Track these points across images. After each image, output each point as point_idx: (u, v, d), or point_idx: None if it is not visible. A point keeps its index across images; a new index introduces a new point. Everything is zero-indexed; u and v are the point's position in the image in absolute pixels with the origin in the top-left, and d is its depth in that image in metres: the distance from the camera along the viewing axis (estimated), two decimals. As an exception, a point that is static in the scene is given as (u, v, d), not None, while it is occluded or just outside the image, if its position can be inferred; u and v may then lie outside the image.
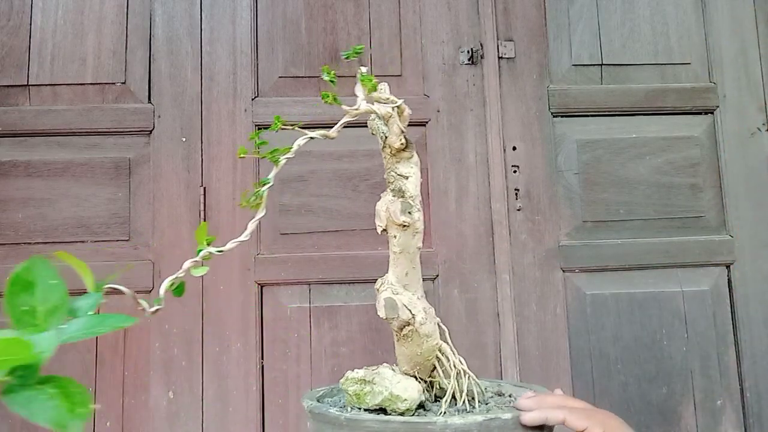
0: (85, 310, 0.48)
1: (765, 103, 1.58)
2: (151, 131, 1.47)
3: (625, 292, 1.49)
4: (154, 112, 1.48)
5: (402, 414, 0.73)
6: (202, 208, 1.44)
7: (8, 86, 1.47)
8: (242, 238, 0.66)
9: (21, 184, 1.44)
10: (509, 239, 1.47)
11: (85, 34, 1.50)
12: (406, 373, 0.79)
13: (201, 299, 1.42)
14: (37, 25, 1.49)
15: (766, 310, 1.50)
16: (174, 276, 0.59)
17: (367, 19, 1.55)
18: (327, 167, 1.49)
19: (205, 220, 1.43)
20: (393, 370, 0.79)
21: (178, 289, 0.59)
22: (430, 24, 1.55)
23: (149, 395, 1.39)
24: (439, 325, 0.80)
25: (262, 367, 1.42)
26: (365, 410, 0.76)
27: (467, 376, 0.78)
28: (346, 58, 0.74)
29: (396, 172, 0.77)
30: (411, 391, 0.74)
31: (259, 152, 0.70)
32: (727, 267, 1.52)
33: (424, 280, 1.49)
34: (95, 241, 1.44)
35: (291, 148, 0.69)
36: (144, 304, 0.55)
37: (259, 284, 1.44)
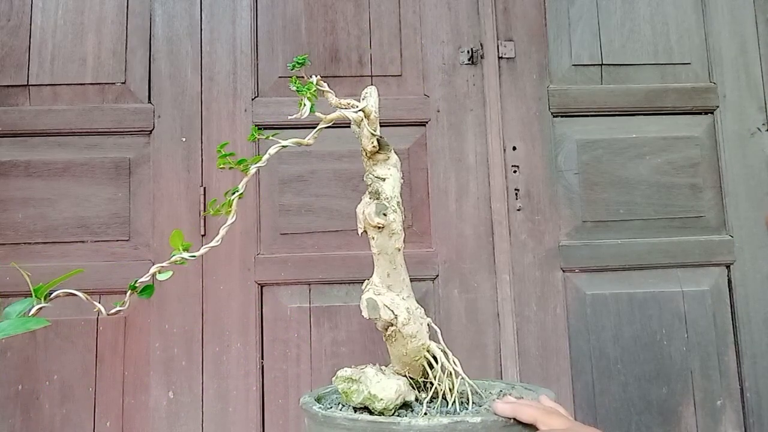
0: (15, 314, 0.52)
1: (765, 103, 1.58)
2: (151, 131, 1.47)
3: (625, 292, 1.49)
4: (154, 112, 1.48)
5: (381, 413, 0.74)
6: (202, 208, 1.44)
7: (8, 86, 1.47)
8: (213, 243, 0.67)
9: (21, 184, 1.44)
10: (509, 239, 1.48)
11: (85, 34, 1.50)
12: (398, 373, 0.80)
13: (201, 299, 1.42)
14: (37, 25, 1.49)
15: (766, 310, 1.50)
16: (141, 279, 0.61)
17: (367, 19, 1.55)
18: (327, 167, 1.49)
19: (205, 221, 1.43)
20: (382, 369, 0.80)
21: (145, 291, 0.61)
22: (430, 24, 1.55)
23: (149, 395, 1.39)
24: (429, 326, 0.80)
25: (262, 367, 1.42)
26: (353, 408, 0.77)
27: (459, 377, 0.79)
28: (291, 68, 0.74)
29: (373, 174, 0.78)
30: (388, 391, 0.74)
31: (228, 161, 0.70)
32: (727, 267, 1.52)
33: (423, 280, 1.50)
34: (95, 241, 1.44)
35: (261, 157, 0.70)
36: (99, 306, 0.58)
37: (259, 284, 1.44)
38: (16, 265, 0.51)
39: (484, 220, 1.49)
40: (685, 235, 1.52)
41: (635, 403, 1.45)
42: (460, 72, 1.54)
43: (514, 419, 0.72)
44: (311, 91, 0.71)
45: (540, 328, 1.46)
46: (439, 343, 0.80)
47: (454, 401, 0.77)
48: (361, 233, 0.79)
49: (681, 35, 1.60)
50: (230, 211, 0.69)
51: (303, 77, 0.72)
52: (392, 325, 0.76)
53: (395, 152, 0.82)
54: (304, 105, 0.71)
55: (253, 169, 0.70)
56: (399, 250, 0.79)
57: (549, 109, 1.54)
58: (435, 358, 0.79)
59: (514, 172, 1.51)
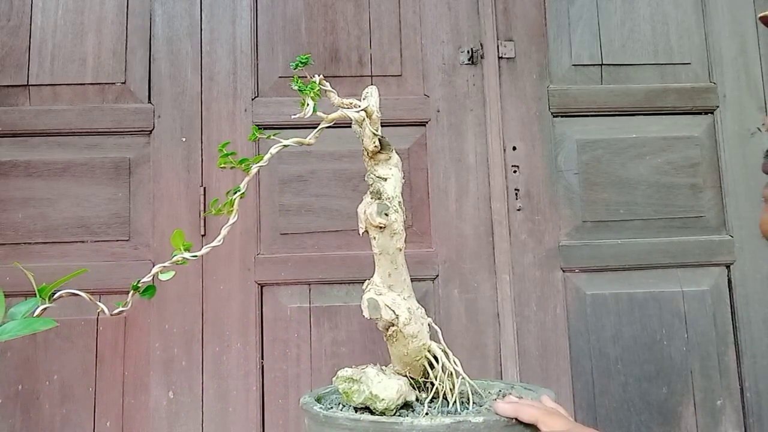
0: (21, 315, 0.52)
1: (765, 103, 1.58)
2: (151, 131, 1.47)
3: (625, 292, 1.49)
4: (154, 112, 1.48)
5: (383, 413, 0.73)
6: (202, 208, 1.44)
7: (8, 86, 1.47)
8: (214, 243, 0.67)
9: (21, 184, 1.44)
10: (509, 239, 1.48)
11: (85, 34, 1.50)
12: (398, 373, 0.80)
13: (201, 299, 1.42)
14: (37, 25, 1.49)
15: (766, 310, 1.50)
16: (143, 279, 0.61)
17: (367, 19, 1.55)
18: (327, 167, 1.49)
19: (205, 221, 1.43)
20: (382, 369, 0.80)
21: (147, 291, 0.61)
22: (430, 24, 1.55)
23: (149, 395, 1.39)
24: (430, 326, 0.80)
25: (262, 367, 1.42)
26: (354, 408, 0.77)
27: (460, 377, 0.79)
28: (294, 68, 0.74)
29: (375, 174, 0.78)
30: (389, 391, 0.74)
31: (230, 160, 0.70)
32: (727, 267, 1.52)
33: (423, 280, 1.50)
34: (95, 241, 1.44)
35: (263, 157, 0.70)
36: (102, 306, 0.58)
37: (259, 284, 1.44)
38: (20, 265, 0.51)
39: (484, 220, 1.49)
40: (685, 235, 1.52)
41: (635, 403, 1.45)
42: (460, 72, 1.54)
43: (516, 419, 0.72)
44: (314, 90, 0.71)
45: (540, 328, 1.46)
46: (440, 343, 0.80)
47: (455, 401, 0.77)
48: (363, 233, 0.79)
49: (681, 35, 1.60)
50: (232, 210, 0.69)
51: (305, 77, 0.72)
52: (393, 325, 0.76)
53: (396, 152, 0.82)
54: (307, 105, 0.71)
55: (255, 169, 0.70)
56: (400, 250, 0.79)
57: (549, 109, 1.54)
58: (436, 358, 0.79)
59: (514, 172, 1.51)
